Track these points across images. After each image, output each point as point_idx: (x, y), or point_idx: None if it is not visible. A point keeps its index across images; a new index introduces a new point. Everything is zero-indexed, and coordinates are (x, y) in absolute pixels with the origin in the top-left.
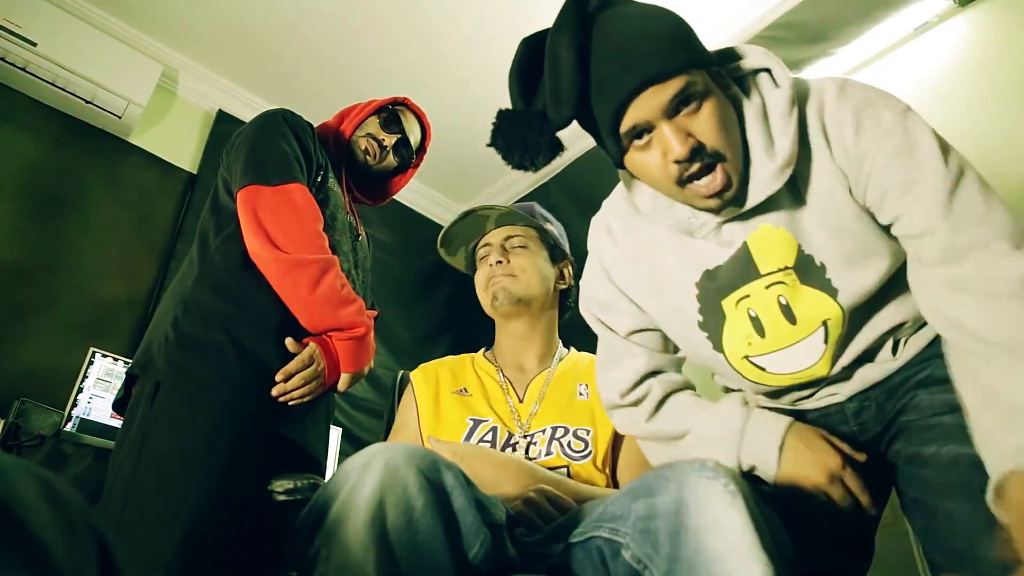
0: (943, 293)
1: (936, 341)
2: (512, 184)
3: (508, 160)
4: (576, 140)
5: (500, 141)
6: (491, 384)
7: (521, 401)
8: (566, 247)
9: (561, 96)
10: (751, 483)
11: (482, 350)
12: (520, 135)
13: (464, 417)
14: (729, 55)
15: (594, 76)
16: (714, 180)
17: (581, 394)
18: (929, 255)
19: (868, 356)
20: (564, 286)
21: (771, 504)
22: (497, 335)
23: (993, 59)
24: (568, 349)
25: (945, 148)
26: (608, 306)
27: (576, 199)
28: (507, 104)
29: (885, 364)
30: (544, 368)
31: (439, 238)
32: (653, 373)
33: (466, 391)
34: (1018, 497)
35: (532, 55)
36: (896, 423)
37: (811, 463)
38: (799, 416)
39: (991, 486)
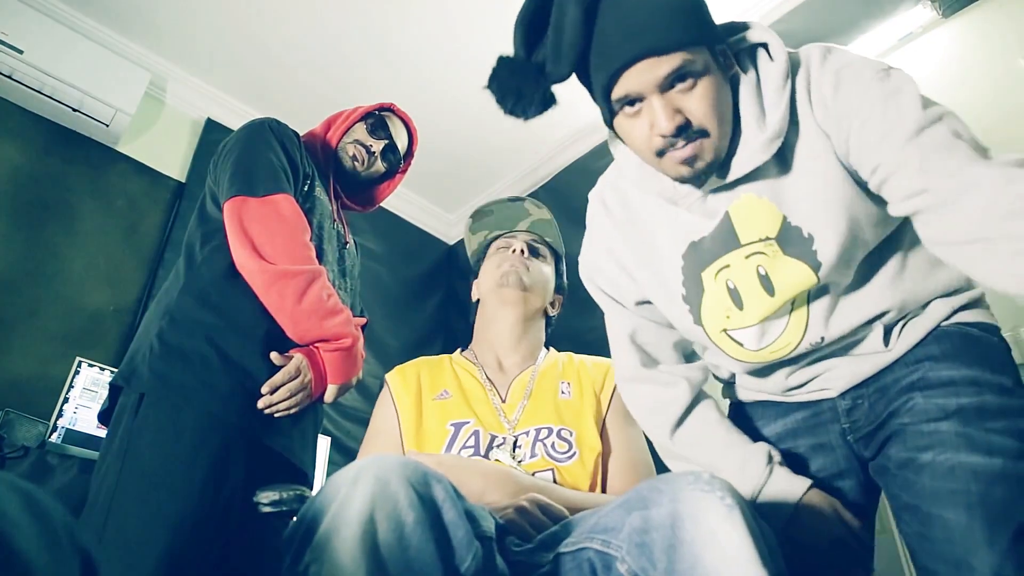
0: (946, 214)
1: (929, 340)
2: (501, 193)
3: (501, 106)
4: (565, 149)
5: (496, 87)
6: (472, 383)
7: (504, 401)
8: (564, 283)
9: (562, 53)
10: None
11: (458, 350)
12: (516, 84)
13: (444, 423)
14: (732, 28)
15: (595, 39)
16: (687, 148)
17: (563, 392)
18: (901, 189)
19: (855, 343)
20: (552, 313)
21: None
22: (483, 331)
23: (975, 69)
24: (548, 349)
25: (926, 100)
26: (612, 281)
27: (565, 208)
28: (494, 112)
29: (876, 356)
30: (527, 366)
31: (476, 210)
32: (662, 350)
33: (446, 393)
34: None
35: (539, 6)
36: (889, 425)
37: (819, 534)
38: (790, 410)
39: None
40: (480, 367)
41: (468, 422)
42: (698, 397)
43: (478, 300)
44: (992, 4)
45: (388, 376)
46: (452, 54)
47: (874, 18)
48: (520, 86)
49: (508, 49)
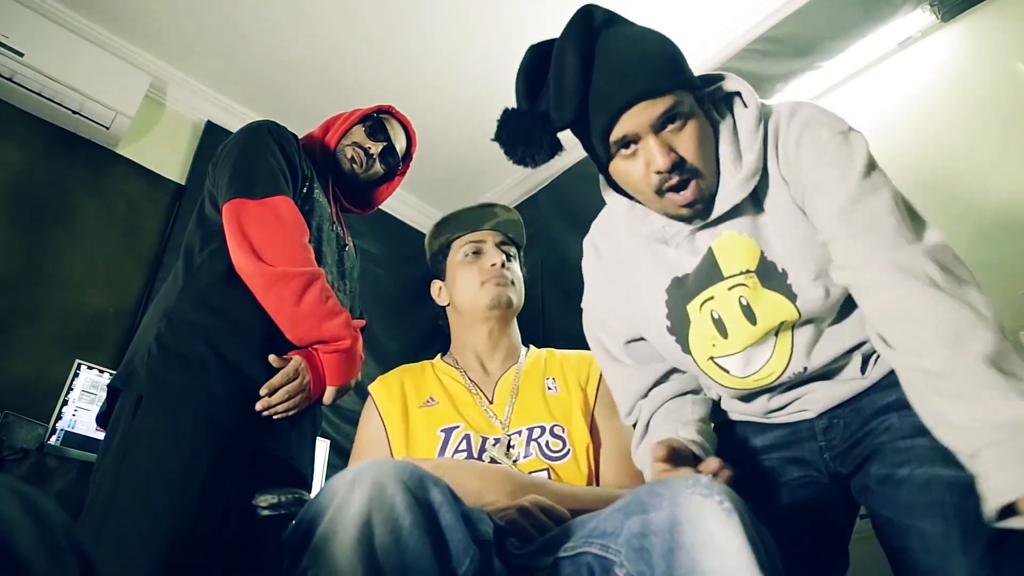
0: (860, 299)
1: None
2: (501, 196)
3: (511, 155)
4: (565, 152)
5: (504, 137)
6: (457, 388)
7: (491, 402)
8: (526, 275)
9: (564, 99)
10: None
11: (438, 356)
12: (524, 133)
13: (434, 429)
14: (708, 79)
15: (593, 86)
16: (687, 193)
17: (550, 388)
18: (834, 259)
19: (835, 371)
20: None
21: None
22: (462, 336)
23: (975, 73)
24: (528, 347)
25: (871, 165)
26: (602, 322)
27: (564, 211)
28: (494, 114)
29: (853, 382)
30: (509, 366)
31: (441, 219)
32: (646, 391)
33: (433, 400)
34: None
35: (538, 60)
36: (864, 444)
37: None
38: (770, 428)
39: (991, 509)
40: (462, 371)
41: (458, 426)
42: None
43: (447, 303)
44: (991, 8)
45: (371, 387)
46: (452, 57)
47: (873, 22)
48: (528, 134)
49: (506, 51)
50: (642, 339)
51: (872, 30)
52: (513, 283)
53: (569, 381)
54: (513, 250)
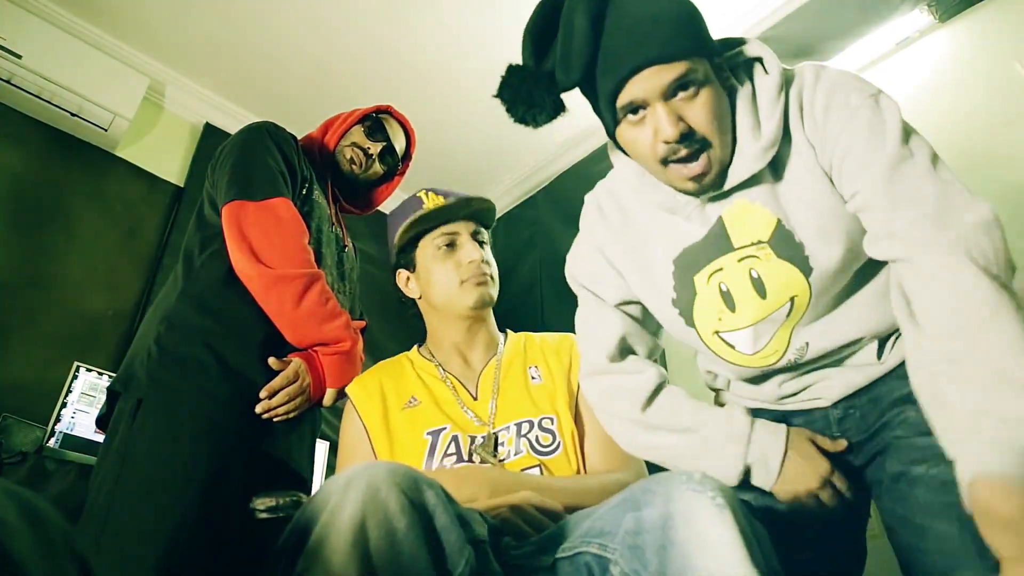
0: (901, 273)
1: None
2: (501, 196)
3: (511, 114)
4: (564, 153)
5: (507, 95)
6: (437, 385)
7: (475, 399)
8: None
9: (571, 61)
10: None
11: (415, 347)
12: (527, 91)
13: (420, 432)
14: (728, 43)
15: (602, 47)
16: (696, 166)
17: (534, 378)
18: (871, 229)
19: (846, 357)
20: None
21: (759, 517)
22: (439, 331)
23: (972, 73)
24: (504, 332)
25: (907, 130)
26: (597, 277)
27: (563, 211)
28: (493, 115)
29: (869, 368)
30: (490, 356)
31: (413, 219)
32: (632, 348)
33: (415, 400)
34: (982, 500)
35: (548, 16)
36: (880, 436)
37: (808, 471)
38: (781, 417)
39: (963, 493)
40: (439, 366)
41: (444, 428)
42: (666, 381)
43: (418, 296)
44: (989, 9)
45: (348, 389)
46: (452, 58)
47: (871, 23)
48: (532, 94)
49: (506, 52)
50: (633, 303)
51: (870, 30)
52: (492, 278)
53: (552, 368)
54: (485, 235)
